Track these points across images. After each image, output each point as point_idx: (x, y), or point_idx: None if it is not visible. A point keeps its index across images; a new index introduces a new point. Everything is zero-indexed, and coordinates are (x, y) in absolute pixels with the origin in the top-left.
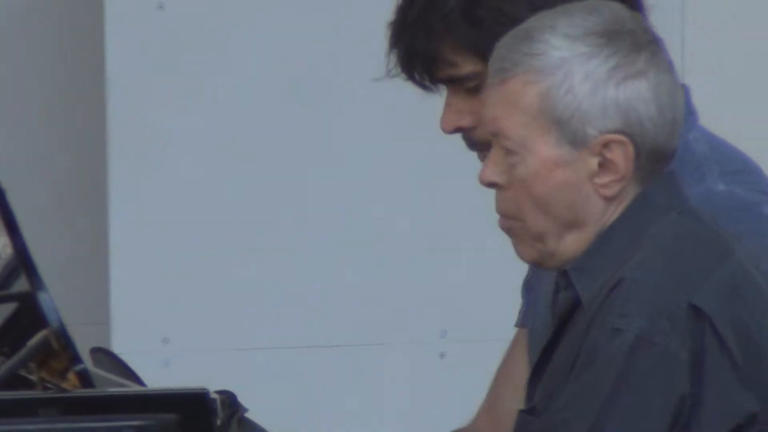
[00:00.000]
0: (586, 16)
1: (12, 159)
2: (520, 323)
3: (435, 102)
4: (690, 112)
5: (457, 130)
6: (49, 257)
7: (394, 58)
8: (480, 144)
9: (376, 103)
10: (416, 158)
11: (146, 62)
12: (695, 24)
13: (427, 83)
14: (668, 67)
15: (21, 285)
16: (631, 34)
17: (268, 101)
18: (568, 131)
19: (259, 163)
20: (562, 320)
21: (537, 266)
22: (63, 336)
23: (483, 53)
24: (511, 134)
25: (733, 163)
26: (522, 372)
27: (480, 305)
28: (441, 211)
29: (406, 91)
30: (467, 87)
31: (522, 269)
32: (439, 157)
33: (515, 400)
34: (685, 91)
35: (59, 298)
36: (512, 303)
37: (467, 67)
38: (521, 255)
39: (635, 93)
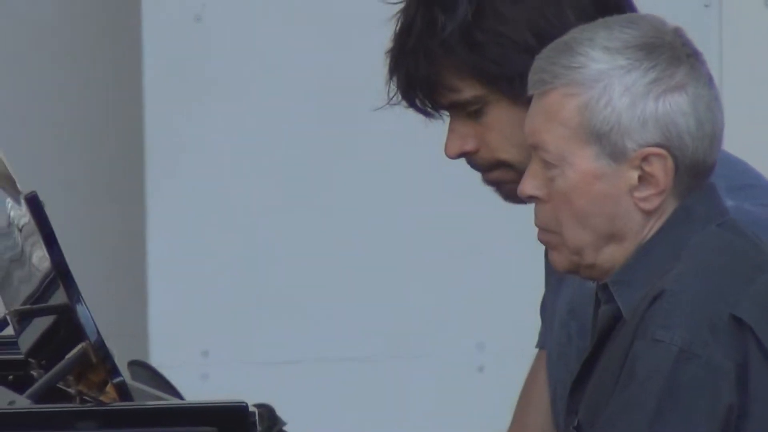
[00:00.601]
0: (625, 29)
1: (50, 172)
2: (540, 344)
3: None
4: None
5: (462, 154)
6: (86, 270)
7: (394, 86)
8: (483, 167)
9: (409, 115)
10: (453, 168)
11: (183, 74)
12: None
13: (429, 109)
14: (707, 81)
15: (59, 298)
16: (670, 48)
17: (304, 114)
18: (608, 144)
19: (296, 176)
20: (603, 333)
21: (571, 274)
22: (101, 349)
23: (483, 77)
24: (550, 147)
25: (742, 178)
26: (545, 394)
27: (517, 316)
28: (476, 222)
29: None
30: (469, 111)
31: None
32: None
33: (542, 422)
34: None
35: (97, 311)
36: None
37: (468, 91)
38: (555, 263)
39: (674, 106)
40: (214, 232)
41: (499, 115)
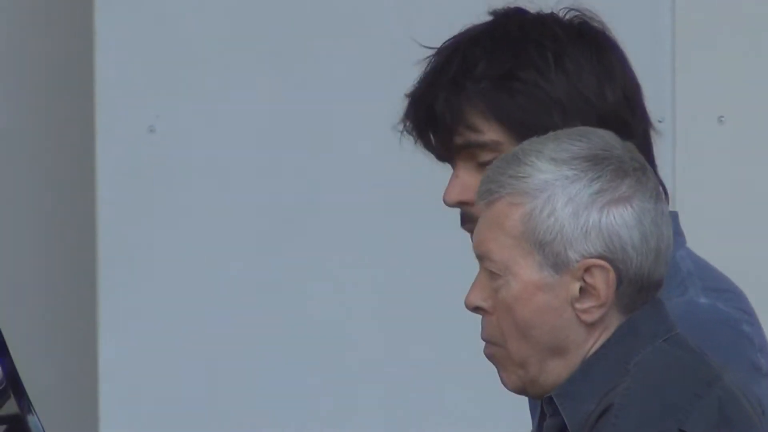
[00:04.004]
0: (574, 142)
1: (1, 287)
2: None
3: None
4: (678, 233)
5: (459, 204)
6: (38, 381)
7: (411, 119)
8: (474, 219)
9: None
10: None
11: (137, 185)
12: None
13: (440, 147)
14: (655, 196)
15: (10, 407)
16: (617, 160)
17: (259, 224)
18: (551, 254)
19: (254, 281)
20: None
21: (521, 394)
22: None
23: (510, 122)
24: (495, 257)
25: (717, 283)
26: None
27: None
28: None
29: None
30: (480, 161)
31: None
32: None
33: None
34: (674, 215)
35: (48, 422)
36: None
37: (490, 134)
38: (504, 383)
39: (618, 219)
40: (167, 342)
41: None
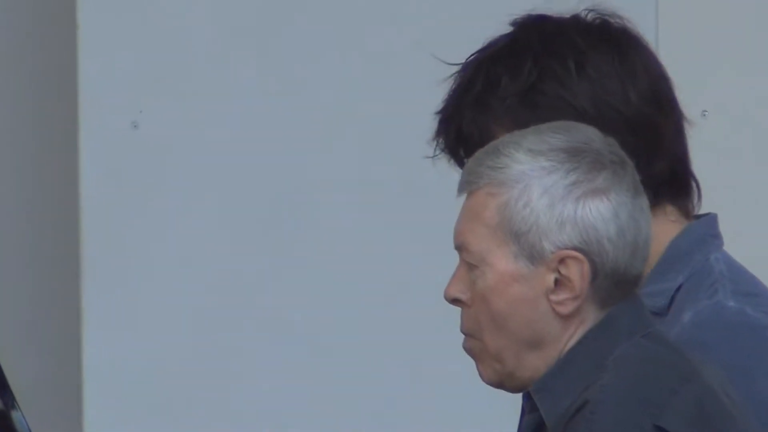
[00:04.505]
0: (554, 134)
1: None
2: None
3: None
4: (715, 236)
5: None
6: (22, 377)
7: (443, 138)
8: None
9: (367, 224)
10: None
11: (121, 180)
12: None
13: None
14: (633, 190)
15: None
16: (595, 153)
17: (244, 220)
18: (526, 245)
19: (237, 282)
20: None
21: (498, 388)
22: None
23: None
24: (472, 248)
25: (749, 287)
26: None
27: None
28: (421, 334)
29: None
30: None
31: None
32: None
33: None
34: (712, 217)
35: (32, 418)
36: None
37: None
38: (482, 377)
39: (594, 211)
40: (152, 339)
41: None
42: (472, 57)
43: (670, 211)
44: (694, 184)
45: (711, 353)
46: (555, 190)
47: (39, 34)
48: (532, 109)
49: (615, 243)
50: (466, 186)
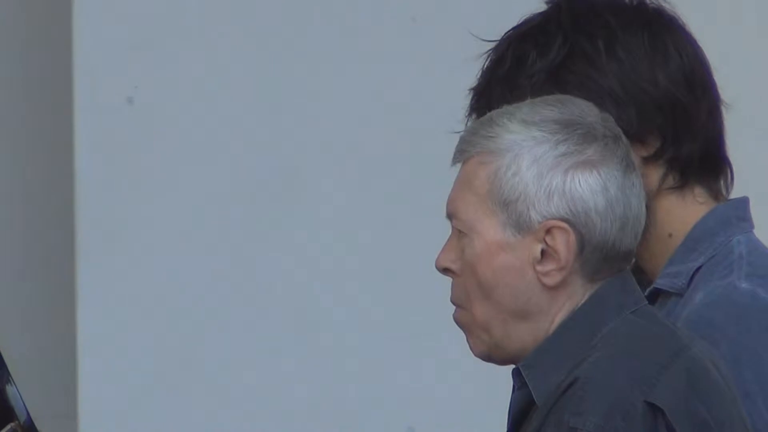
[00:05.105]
0: (548, 107)
1: None
2: None
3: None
4: (742, 218)
5: None
6: (17, 351)
7: (476, 115)
8: None
9: (358, 204)
10: (376, 253)
11: (115, 155)
12: None
13: None
14: (625, 165)
15: None
16: (587, 126)
17: (240, 196)
18: (514, 214)
19: (235, 256)
20: (516, 420)
21: (486, 360)
22: (30, 429)
23: None
24: (462, 215)
25: (767, 270)
26: None
27: (449, 401)
28: (413, 302)
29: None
30: None
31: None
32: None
33: None
34: (743, 200)
35: (27, 392)
36: (481, 398)
37: None
38: (472, 349)
39: (583, 183)
40: (148, 312)
41: None
42: (505, 35)
43: (699, 193)
44: (726, 167)
45: (719, 333)
46: (544, 161)
47: (33, 9)
48: (559, 86)
49: (603, 216)
50: (460, 155)
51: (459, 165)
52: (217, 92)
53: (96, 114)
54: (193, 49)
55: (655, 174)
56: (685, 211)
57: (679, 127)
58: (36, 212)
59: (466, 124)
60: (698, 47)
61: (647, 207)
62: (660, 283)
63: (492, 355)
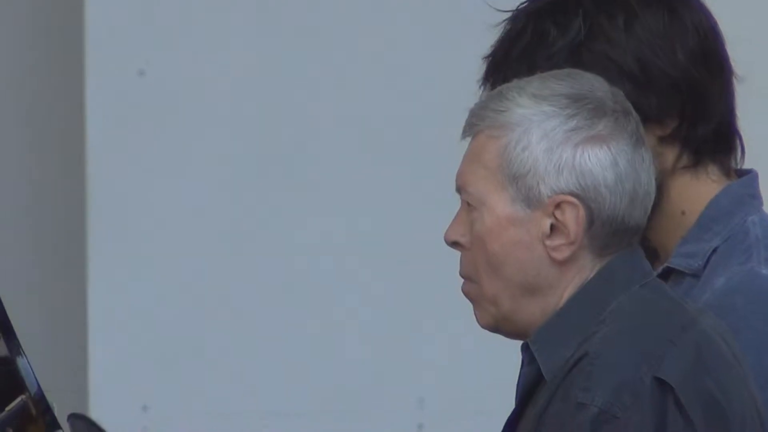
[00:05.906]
0: (558, 81)
1: None
2: None
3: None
4: (753, 196)
5: None
6: (27, 323)
7: (490, 84)
8: None
9: (372, 167)
10: (392, 234)
11: (127, 128)
12: None
13: None
14: (635, 140)
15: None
16: (597, 101)
17: (250, 167)
18: (524, 188)
19: (243, 229)
20: (525, 395)
21: (494, 332)
22: (41, 401)
23: None
24: (471, 189)
25: None
26: None
27: (459, 374)
28: (419, 278)
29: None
30: None
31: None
32: (417, 234)
33: None
34: (752, 176)
35: (37, 364)
36: (492, 376)
37: None
38: (479, 320)
39: (593, 157)
40: (156, 286)
41: None
42: (524, 8)
43: (712, 171)
44: (737, 142)
45: (742, 320)
46: (554, 135)
47: None
48: (577, 64)
49: (612, 190)
50: (469, 129)
51: (468, 139)
52: (229, 64)
53: (108, 86)
54: (204, 21)
55: (671, 153)
56: (699, 190)
57: (696, 107)
58: (47, 185)
59: (481, 92)
60: (714, 21)
61: (661, 186)
62: (674, 262)
63: (499, 327)
